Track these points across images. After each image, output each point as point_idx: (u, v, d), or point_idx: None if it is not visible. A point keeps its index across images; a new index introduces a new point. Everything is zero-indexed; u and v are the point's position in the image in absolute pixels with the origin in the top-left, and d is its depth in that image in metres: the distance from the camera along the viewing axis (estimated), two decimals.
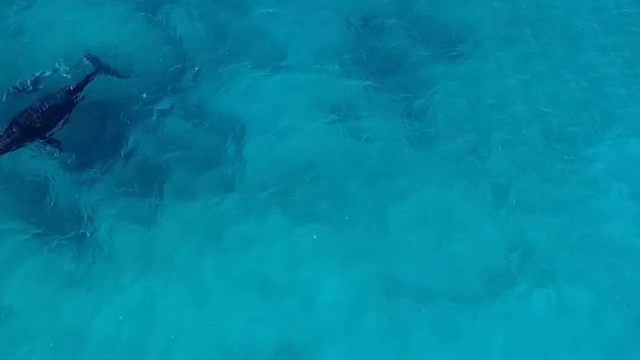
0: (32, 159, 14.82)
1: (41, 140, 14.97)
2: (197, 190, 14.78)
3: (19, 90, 15.37)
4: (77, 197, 14.59)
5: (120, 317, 13.42)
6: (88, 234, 14.24)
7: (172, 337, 13.36)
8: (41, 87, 15.48)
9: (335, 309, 13.72)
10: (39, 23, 16.44)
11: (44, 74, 15.62)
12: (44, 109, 15.02)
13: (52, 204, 14.51)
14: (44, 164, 14.83)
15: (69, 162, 14.85)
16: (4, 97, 15.33)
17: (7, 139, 14.77)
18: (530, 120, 16.04)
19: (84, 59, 15.79)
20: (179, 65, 16.14)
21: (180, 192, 14.72)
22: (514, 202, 14.97)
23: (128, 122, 15.45)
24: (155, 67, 16.05)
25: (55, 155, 14.75)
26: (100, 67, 15.78)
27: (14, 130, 14.86)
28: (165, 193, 14.73)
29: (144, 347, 13.28)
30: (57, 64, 15.81)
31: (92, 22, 16.45)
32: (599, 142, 15.93)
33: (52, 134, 15.03)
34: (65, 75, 15.61)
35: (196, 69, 16.16)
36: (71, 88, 15.36)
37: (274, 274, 13.97)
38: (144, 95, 15.70)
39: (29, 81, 15.48)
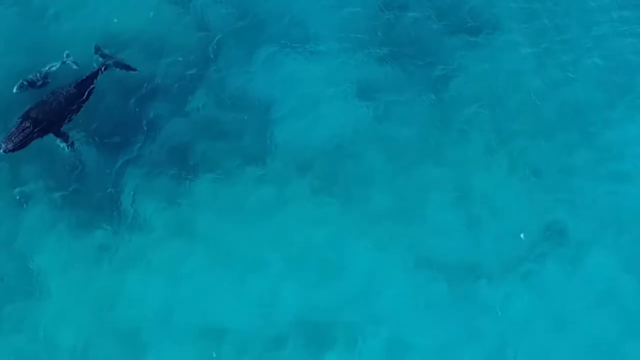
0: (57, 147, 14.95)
1: (54, 134, 14.90)
2: (224, 164, 15.00)
3: (30, 82, 15.29)
4: (105, 168, 14.82)
5: (147, 280, 13.79)
6: (117, 204, 14.48)
7: (195, 298, 13.71)
8: (50, 80, 15.39)
9: (361, 279, 14.04)
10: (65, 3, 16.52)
11: (54, 67, 15.53)
12: (54, 103, 14.91)
13: (81, 174, 14.74)
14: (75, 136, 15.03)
15: (97, 136, 15.03)
16: (16, 89, 15.23)
17: (20, 135, 14.58)
18: (548, 92, 16.28)
19: (95, 51, 15.79)
20: (205, 47, 16.34)
21: (207, 166, 14.91)
22: (533, 173, 15.29)
23: (155, 102, 15.60)
24: (181, 49, 16.23)
25: (66, 150, 14.77)
26: (110, 60, 15.70)
27: (27, 125, 14.68)
28: (192, 166, 14.92)
29: (170, 307, 13.63)
30: (64, 56, 15.72)
31: (121, 4, 16.59)
32: (616, 112, 16.18)
33: (64, 128, 14.99)
34: (74, 67, 15.56)
35: (221, 49, 16.33)
36: (80, 82, 15.26)
37: (300, 245, 14.27)
38: (172, 76, 15.91)
39: (39, 74, 15.38)
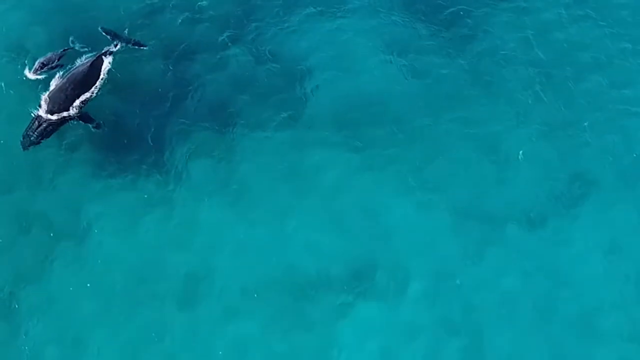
0: (108, 96, 15.27)
1: (74, 120, 14.91)
2: (265, 121, 15.40)
3: (43, 65, 15.32)
4: (148, 125, 15.17)
5: (193, 227, 14.23)
6: (166, 162, 14.88)
7: (238, 246, 14.12)
8: (63, 63, 15.45)
9: (404, 231, 14.41)
10: None
11: (66, 50, 15.59)
12: (68, 90, 14.81)
13: (132, 138, 15.06)
14: (121, 101, 15.36)
15: (147, 102, 15.37)
16: (31, 73, 15.27)
17: (38, 129, 14.52)
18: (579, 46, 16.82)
19: (104, 32, 15.88)
20: (240, 8, 16.78)
21: (250, 124, 15.35)
22: (561, 130, 15.70)
23: (193, 62, 15.99)
24: (222, 14, 16.67)
25: (92, 129, 14.89)
26: (118, 39, 15.72)
27: (42, 121, 14.61)
28: (236, 125, 15.32)
29: (217, 251, 14.07)
30: (70, 42, 15.79)
31: None
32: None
33: (83, 111, 14.98)
34: (82, 50, 15.67)
35: (256, 11, 16.72)
36: (91, 64, 15.17)
37: (337, 193, 14.67)
38: (213, 40, 16.30)
39: (53, 57, 15.43)
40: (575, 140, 15.56)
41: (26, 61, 15.49)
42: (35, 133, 14.52)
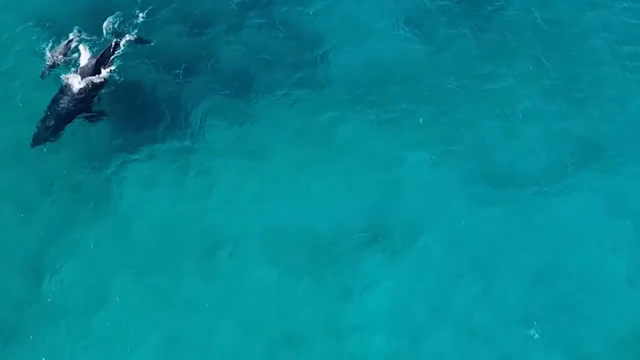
0: (131, 69, 15.83)
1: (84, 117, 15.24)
2: (279, 84, 15.94)
3: (51, 66, 15.57)
4: (172, 92, 15.78)
5: (217, 190, 14.79)
6: (188, 129, 15.41)
7: (260, 208, 14.61)
8: (72, 56, 15.69)
9: (414, 185, 14.89)
10: None
11: (70, 46, 15.76)
12: (74, 91, 15.01)
13: (151, 101, 15.65)
14: (144, 74, 15.94)
15: (166, 67, 15.98)
16: (41, 77, 15.52)
17: (49, 129, 14.79)
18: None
19: (108, 27, 16.11)
20: None
21: (264, 87, 15.93)
22: (577, 94, 16.04)
23: (215, 30, 16.60)
24: None
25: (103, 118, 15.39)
26: (122, 36, 15.89)
27: (50, 114, 14.88)
28: (251, 88, 15.92)
29: (235, 206, 14.64)
30: (76, 30, 15.93)
31: None
32: None
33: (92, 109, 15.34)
34: (88, 38, 15.88)
35: None
36: (96, 61, 15.33)
37: (358, 159, 15.15)
38: (228, 8, 16.87)
39: (58, 56, 15.61)
40: (581, 100, 15.88)
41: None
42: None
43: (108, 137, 15.15)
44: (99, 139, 15.11)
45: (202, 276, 13.88)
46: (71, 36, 15.76)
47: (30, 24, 16.30)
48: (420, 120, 15.51)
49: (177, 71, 15.91)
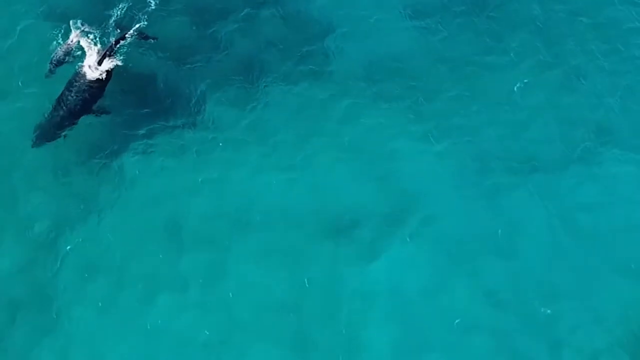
0: (142, 57, 16.21)
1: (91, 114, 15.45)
2: (293, 77, 16.34)
3: (56, 64, 15.72)
4: (186, 85, 16.11)
5: (227, 171, 15.19)
6: (197, 114, 15.82)
7: (268, 188, 15.04)
8: (78, 53, 15.85)
9: (422, 168, 15.28)
10: None
11: (73, 41, 15.93)
12: (76, 91, 15.20)
13: (164, 92, 16.01)
14: (155, 62, 16.30)
15: (174, 56, 16.36)
16: (47, 74, 15.68)
17: (52, 128, 14.99)
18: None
19: (113, 24, 16.35)
20: None
21: (279, 80, 16.28)
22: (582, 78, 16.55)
23: (226, 19, 16.96)
24: None
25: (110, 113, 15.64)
26: (126, 32, 16.11)
27: (54, 113, 15.09)
28: (265, 81, 16.26)
29: (247, 190, 15.05)
30: (79, 23, 16.06)
31: None
32: None
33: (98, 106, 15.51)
34: (88, 31, 16.01)
35: None
36: (99, 60, 15.47)
37: (368, 145, 15.54)
38: (242, 2, 17.24)
39: (61, 53, 15.77)
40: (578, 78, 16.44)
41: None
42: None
43: (120, 124, 15.41)
44: (112, 127, 15.37)
45: (214, 260, 14.16)
46: (74, 33, 15.82)
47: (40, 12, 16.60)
48: (427, 107, 15.91)
49: (186, 60, 16.26)
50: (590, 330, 13.64)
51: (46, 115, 15.08)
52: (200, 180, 14.97)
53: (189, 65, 16.24)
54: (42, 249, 14.23)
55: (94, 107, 15.30)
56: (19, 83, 15.71)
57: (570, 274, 14.14)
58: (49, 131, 15.01)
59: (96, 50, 15.55)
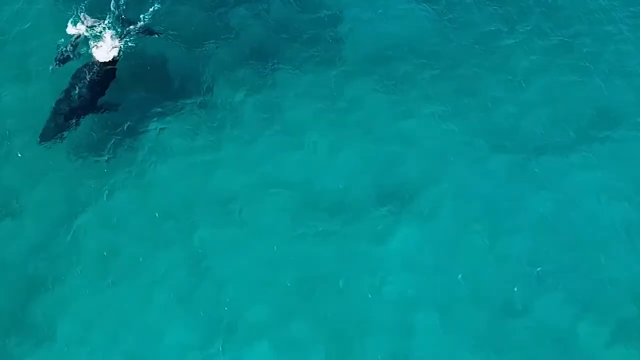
0: (154, 41, 16.49)
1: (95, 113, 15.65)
2: (303, 58, 16.63)
3: (61, 60, 15.88)
4: (197, 67, 16.42)
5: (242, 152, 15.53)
6: (209, 99, 16.12)
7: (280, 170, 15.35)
8: (83, 49, 16.06)
9: (436, 155, 15.59)
10: None
11: (79, 38, 16.10)
12: (81, 89, 15.36)
13: (175, 74, 16.37)
14: (167, 45, 16.62)
15: (189, 40, 16.66)
16: (51, 69, 15.84)
17: (59, 123, 15.14)
18: None
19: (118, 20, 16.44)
20: None
21: (288, 61, 16.58)
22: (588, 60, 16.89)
23: (240, 7, 17.25)
24: None
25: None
26: (131, 27, 16.28)
27: (60, 108, 15.25)
28: (275, 62, 16.58)
29: (260, 172, 15.34)
30: (81, 16, 16.24)
31: None
32: None
33: (101, 104, 15.70)
34: (92, 25, 16.18)
35: None
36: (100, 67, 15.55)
37: (378, 124, 15.97)
38: None
39: (68, 47, 15.94)
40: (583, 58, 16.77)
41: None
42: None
43: (135, 109, 15.74)
44: (123, 107, 15.66)
45: (228, 240, 14.54)
46: (82, 26, 16.00)
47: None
48: (434, 87, 16.23)
49: (196, 43, 16.53)
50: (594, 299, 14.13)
51: (51, 112, 15.24)
52: (211, 159, 15.29)
53: (200, 48, 16.50)
54: (58, 227, 14.55)
55: (99, 104, 15.49)
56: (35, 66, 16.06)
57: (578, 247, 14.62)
58: (53, 128, 15.16)
59: (103, 45, 15.79)
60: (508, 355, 13.58)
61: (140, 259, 14.24)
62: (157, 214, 14.68)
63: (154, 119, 15.66)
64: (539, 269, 14.23)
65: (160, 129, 15.59)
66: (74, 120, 15.18)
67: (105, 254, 14.29)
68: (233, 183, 15.05)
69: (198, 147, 15.44)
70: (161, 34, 16.37)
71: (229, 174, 15.15)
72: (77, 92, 15.26)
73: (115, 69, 15.71)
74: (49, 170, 15.08)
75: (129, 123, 15.55)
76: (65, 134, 15.18)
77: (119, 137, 15.39)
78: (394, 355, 13.51)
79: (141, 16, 16.33)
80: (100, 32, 15.96)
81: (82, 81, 15.34)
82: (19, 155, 15.20)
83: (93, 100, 15.38)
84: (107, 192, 14.83)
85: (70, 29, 15.95)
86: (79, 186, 14.91)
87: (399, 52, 16.72)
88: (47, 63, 15.85)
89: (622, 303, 14.00)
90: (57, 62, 15.69)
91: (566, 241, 14.58)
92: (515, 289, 14.06)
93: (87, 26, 15.96)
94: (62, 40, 15.94)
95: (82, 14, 16.10)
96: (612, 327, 13.76)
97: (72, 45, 15.83)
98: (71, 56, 15.79)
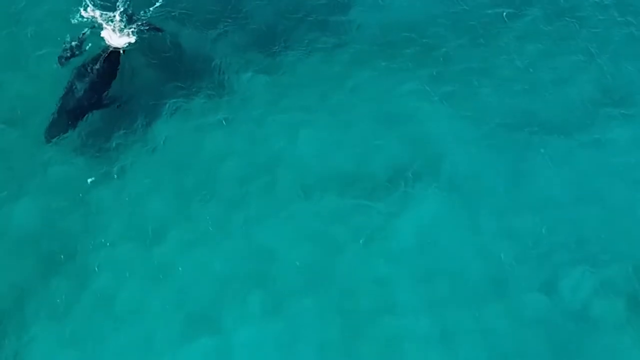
0: (166, 26, 16.73)
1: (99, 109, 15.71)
2: (313, 42, 16.93)
3: (67, 57, 15.97)
4: (209, 52, 16.69)
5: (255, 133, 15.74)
6: (221, 80, 16.37)
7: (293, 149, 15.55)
8: (88, 46, 16.18)
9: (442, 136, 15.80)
10: None
11: (85, 34, 16.24)
12: (85, 88, 15.42)
13: (188, 58, 16.58)
14: (179, 30, 16.90)
15: (201, 24, 16.95)
16: (57, 65, 15.92)
17: (64, 119, 15.21)
18: None
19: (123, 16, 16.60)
20: None
21: (299, 45, 16.86)
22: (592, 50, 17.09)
23: None
24: None
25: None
26: (136, 24, 16.40)
27: (66, 104, 15.34)
28: (285, 46, 16.84)
29: (270, 151, 15.55)
30: (84, 10, 16.35)
31: None
32: None
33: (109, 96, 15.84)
34: (95, 20, 16.33)
35: None
36: (106, 56, 15.79)
37: (386, 105, 16.17)
38: None
39: (74, 44, 16.06)
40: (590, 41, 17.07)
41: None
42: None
43: (148, 93, 15.96)
44: (136, 91, 15.91)
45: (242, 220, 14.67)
46: (93, 12, 16.11)
47: None
48: (442, 69, 16.48)
49: (209, 28, 16.83)
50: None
51: (56, 108, 15.30)
52: (224, 141, 15.48)
53: (211, 32, 16.79)
54: (74, 206, 14.68)
55: (106, 96, 15.57)
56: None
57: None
58: (59, 124, 15.20)
59: (115, 30, 15.96)
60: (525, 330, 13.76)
61: (156, 244, 14.30)
62: (173, 199, 14.84)
63: (167, 103, 15.85)
64: (546, 247, 14.37)
65: (174, 112, 15.79)
66: (80, 114, 15.26)
67: (116, 237, 14.40)
68: (245, 160, 15.23)
69: (211, 128, 15.62)
70: (163, 30, 16.48)
71: (241, 152, 15.34)
72: (82, 85, 15.32)
73: (119, 58, 15.84)
74: (61, 152, 15.17)
75: (142, 106, 15.76)
76: (73, 128, 15.26)
77: (131, 121, 15.53)
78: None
79: (139, 22, 16.45)
80: (112, 17, 16.13)
81: (87, 75, 15.43)
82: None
83: (99, 92, 15.45)
84: (121, 176, 14.97)
85: (84, 13, 16.13)
86: (90, 168, 15.03)
87: (407, 33, 16.98)
88: (54, 58, 15.95)
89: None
90: (62, 60, 15.81)
91: (573, 219, 14.76)
92: (520, 267, 14.22)
93: (93, 22, 16.14)
94: (68, 37, 16.09)
95: (89, 7, 16.27)
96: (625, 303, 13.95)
97: (78, 41, 15.96)
98: (76, 53, 15.88)
